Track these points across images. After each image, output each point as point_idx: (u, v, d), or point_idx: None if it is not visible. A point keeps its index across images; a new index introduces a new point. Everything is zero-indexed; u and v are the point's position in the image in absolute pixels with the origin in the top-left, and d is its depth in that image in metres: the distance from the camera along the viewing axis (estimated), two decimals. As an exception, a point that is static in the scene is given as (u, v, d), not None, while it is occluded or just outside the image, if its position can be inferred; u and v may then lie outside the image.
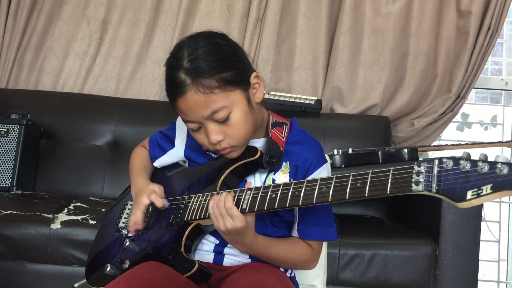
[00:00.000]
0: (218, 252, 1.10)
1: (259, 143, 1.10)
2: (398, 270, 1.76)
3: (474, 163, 0.73)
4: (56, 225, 1.73)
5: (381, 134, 2.37)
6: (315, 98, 2.37)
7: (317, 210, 1.08)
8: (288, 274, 1.13)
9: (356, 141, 2.30)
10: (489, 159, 0.73)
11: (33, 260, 1.74)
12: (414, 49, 2.51)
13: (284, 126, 1.13)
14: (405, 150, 2.02)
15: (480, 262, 1.81)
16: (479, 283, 1.83)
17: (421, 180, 0.76)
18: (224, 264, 1.09)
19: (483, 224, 1.84)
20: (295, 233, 1.11)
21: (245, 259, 1.10)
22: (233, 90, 1.01)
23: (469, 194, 0.72)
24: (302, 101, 2.35)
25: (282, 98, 2.34)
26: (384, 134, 2.38)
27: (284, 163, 1.09)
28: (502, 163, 0.71)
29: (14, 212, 1.77)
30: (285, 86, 2.55)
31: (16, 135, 2.11)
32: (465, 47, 2.47)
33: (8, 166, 2.09)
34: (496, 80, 2.75)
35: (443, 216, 1.79)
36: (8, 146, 2.10)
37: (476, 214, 1.80)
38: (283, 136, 1.10)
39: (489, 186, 0.71)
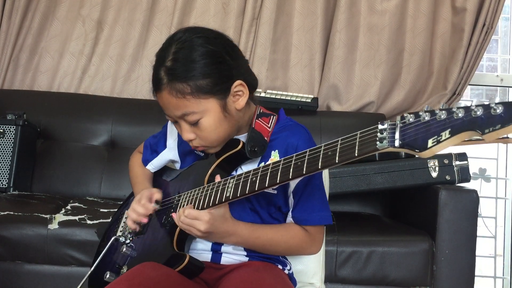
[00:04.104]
0: (215, 250, 1.10)
1: (244, 137, 1.11)
2: (395, 267, 1.77)
3: (433, 112, 0.74)
4: (53, 226, 1.73)
5: (377, 132, 2.37)
6: (312, 96, 2.37)
7: (310, 196, 1.09)
8: (286, 271, 1.14)
9: (353, 139, 2.30)
10: (448, 107, 0.74)
11: (31, 260, 1.74)
12: (409, 47, 2.52)
13: (271, 116, 1.14)
14: (402, 147, 2.03)
15: (476, 258, 1.82)
16: (476, 278, 1.84)
17: (385, 137, 0.77)
18: (221, 262, 1.10)
19: (479, 220, 1.85)
20: (289, 220, 1.11)
21: (242, 257, 1.10)
22: (207, 98, 1.02)
23: (430, 142, 0.73)
24: (298, 99, 2.35)
25: (278, 96, 2.35)
26: (381, 131, 2.38)
27: (273, 152, 1.10)
28: (458, 107, 0.72)
29: (11, 213, 1.77)
30: (282, 84, 2.55)
31: (12, 136, 2.10)
32: (460, 44, 2.48)
33: (5, 167, 2.08)
34: (491, 77, 2.76)
35: (440, 212, 1.80)
36: (4, 147, 2.10)
37: (472, 210, 1.81)
38: (269, 126, 1.11)
39: (447, 131, 0.72)
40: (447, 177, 1.94)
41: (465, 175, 1.96)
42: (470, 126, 0.70)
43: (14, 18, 2.53)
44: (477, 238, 1.82)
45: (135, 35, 2.56)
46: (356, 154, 0.80)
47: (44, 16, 2.55)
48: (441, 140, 0.72)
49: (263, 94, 2.34)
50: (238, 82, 1.05)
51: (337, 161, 0.83)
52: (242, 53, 1.12)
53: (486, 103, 0.70)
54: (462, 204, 1.80)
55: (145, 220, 1.11)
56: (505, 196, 2.74)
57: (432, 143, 0.72)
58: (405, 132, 0.75)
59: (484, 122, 0.69)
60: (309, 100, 2.35)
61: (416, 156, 0.76)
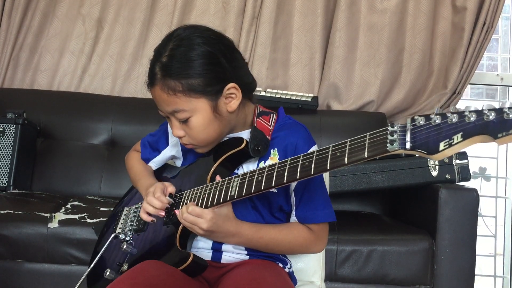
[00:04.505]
0: (216, 249, 1.10)
1: (244, 135, 1.12)
2: (395, 266, 1.77)
3: (444, 116, 0.74)
4: (53, 224, 1.73)
5: (377, 131, 2.37)
6: (312, 95, 2.37)
7: (312, 194, 1.09)
8: (287, 270, 1.14)
9: (353, 138, 2.30)
10: (459, 110, 0.74)
11: (31, 259, 1.74)
12: (409, 46, 2.52)
13: (271, 115, 1.14)
14: (402, 146, 2.03)
15: (476, 257, 1.82)
16: (476, 277, 1.84)
17: (395, 139, 0.77)
18: (222, 261, 1.10)
19: (479, 219, 1.85)
20: (293, 219, 1.11)
21: (243, 256, 1.10)
22: (198, 98, 1.02)
23: (442, 146, 0.73)
24: (298, 98, 2.35)
25: (278, 96, 2.35)
26: (381, 130, 2.38)
27: (272, 150, 1.10)
28: (470, 111, 0.72)
29: (12, 211, 1.77)
30: (282, 83, 2.55)
31: (12, 135, 2.10)
32: (461, 43, 2.48)
33: (5, 166, 2.08)
34: (491, 76, 2.76)
35: (440, 211, 1.80)
36: (4, 146, 2.10)
37: (472, 209, 1.81)
38: (269, 124, 1.11)
39: (459, 135, 0.72)
40: (447, 176, 1.94)
41: (465, 174, 1.96)
42: (483, 130, 0.70)
43: (14, 17, 2.52)
44: (477, 237, 1.82)
45: (135, 34, 2.55)
46: (366, 156, 0.81)
47: (44, 14, 2.55)
48: (453, 143, 0.72)
49: (263, 93, 2.34)
50: (231, 85, 1.05)
51: (346, 162, 0.83)
52: (242, 56, 1.11)
53: (498, 107, 0.70)
54: (462, 203, 1.80)
55: (162, 214, 1.09)
56: (505, 195, 2.74)
57: (444, 146, 0.73)
58: (415, 134, 0.76)
59: (496, 127, 0.69)
60: (309, 99, 2.35)
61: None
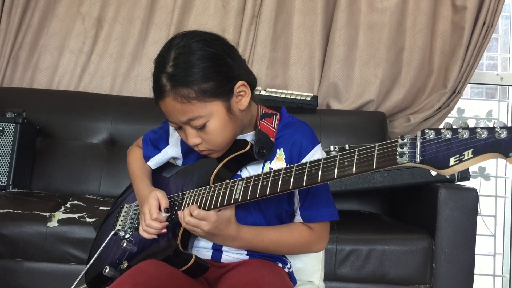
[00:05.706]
0: (216, 248, 1.10)
1: (249, 137, 1.11)
2: (395, 265, 1.77)
3: (455, 131, 0.74)
4: (53, 224, 1.73)
5: (377, 130, 2.37)
6: (311, 95, 2.37)
7: (316, 193, 1.09)
8: (286, 270, 1.14)
9: (353, 137, 2.30)
10: (470, 126, 0.74)
11: (30, 258, 1.74)
12: (409, 45, 2.52)
13: (274, 116, 1.14)
14: (401, 146, 2.03)
15: (476, 256, 1.82)
16: (475, 277, 1.84)
17: (405, 152, 0.78)
18: (222, 260, 1.10)
19: (479, 218, 1.85)
20: (297, 218, 1.11)
21: (243, 255, 1.10)
22: (212, 101, 1.01)
23: (452, 161, 0.73)
24: (298, 97, 2.35)
25: (278, 95, 2.34)
26: (381, 130, 2.39)
27: (278, 150, 1.10)
28: (482, 128, 0.72)
29: (11, 210, 1.77)
30: (281, 82, 2.55)
31: (11, 134, 2.10)
32: (461, 43, 2.48)
33: (4, 165, 2.08)
34: (491, 75, 2.76)
35: (439, 211, 1.80)
36: (4, 145, 2.10)
37: (472, 208, 1.81)
38: (273, 126, 1.11)
39: (470, 151, 0.72)
40: (447, 176, 1.94)
41: (465, 174, 1.95)
42: (494, 148, 0.71)
43: (13, 16, 2.52)
44: (477, 237, 1.82)
45: (135, 33, 2.55)
46: (374, 167, 0.81)
47: (43, 13, 2.55)
48: (463, 159, 0.72)
49: (262, 93, 2.34)
50: (240, 82, 1.05)
51: (354, 172, 0.83)
52: (239, 54, 1.11)
53: (511, 125, 0.71)
54: (462, 202, 1.80)
55: (164, 231, 1.09)
56: (505, 194, 2.75)
57: (455, 161, 0.73)
58: (425, 148, 0.76)
59: (508, 145, 0.69)
60: (308, 99, 2.35)
61: (435, 173, 0.77)
